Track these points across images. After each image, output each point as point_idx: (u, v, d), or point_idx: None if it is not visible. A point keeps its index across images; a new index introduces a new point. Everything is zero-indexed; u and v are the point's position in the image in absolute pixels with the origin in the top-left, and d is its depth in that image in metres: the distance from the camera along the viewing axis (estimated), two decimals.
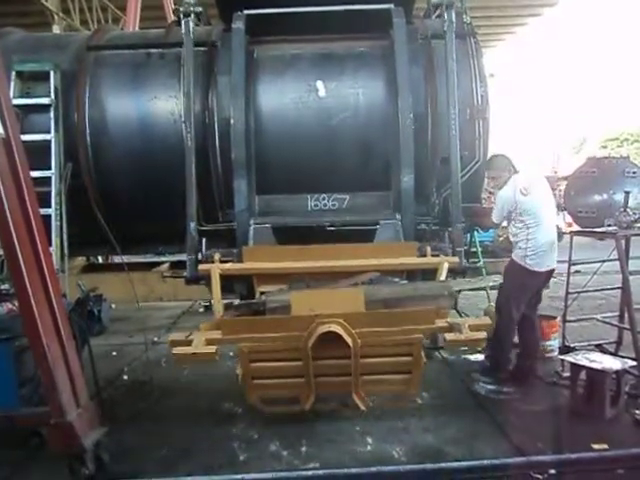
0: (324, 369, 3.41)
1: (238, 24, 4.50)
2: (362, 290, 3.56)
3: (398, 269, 4.04)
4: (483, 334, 3.37)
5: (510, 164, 4.44)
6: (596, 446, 3.31)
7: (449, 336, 3.37)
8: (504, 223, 4.57)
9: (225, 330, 3.38)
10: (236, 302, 4.04)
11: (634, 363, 3.96)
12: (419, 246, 4.15)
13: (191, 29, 4.44)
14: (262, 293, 3.86)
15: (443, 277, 3.95)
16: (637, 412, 3.72)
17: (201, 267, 4.11)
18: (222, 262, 4.09)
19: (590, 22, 37.90)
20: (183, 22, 4.47)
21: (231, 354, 5.23)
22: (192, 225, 4.25)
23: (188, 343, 3.28)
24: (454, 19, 4.39)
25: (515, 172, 4.40)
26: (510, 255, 4.47)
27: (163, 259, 5.62)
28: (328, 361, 3.36)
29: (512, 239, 4.40)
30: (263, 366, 3.43)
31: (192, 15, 4.46)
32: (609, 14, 46.00)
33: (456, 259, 4.19)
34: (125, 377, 4.84)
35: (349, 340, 3.19)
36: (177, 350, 3.26)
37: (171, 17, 8.19)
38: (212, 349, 3.22)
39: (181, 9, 4.47)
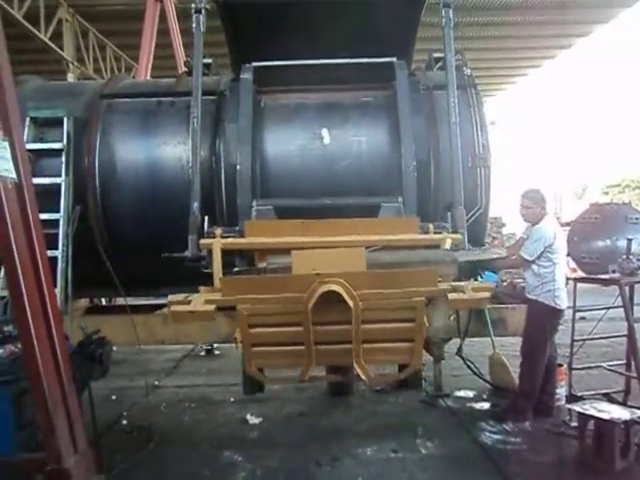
0: (325, 335, 3.26)
1: (246, 75, 4.67)
2: (363, 250, 3.47)
3: (400, 245, 3.97)
4: (486, 294, 3.30)
5: (544, 200, 4.51)
6: None
7: (452, 296, 3.28)
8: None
9: (225, 291, 3.27)
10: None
11: None
12: (421, 225, 4.13)
13: (202, 25, 4.53)
14: None
15: (447, 247, 3.90)
16: None
17: (203, 242, 4.07)
18: (224, 238, 4.06)
19: (590, 71, 39.20)
20: (194, 17, 4.54)
21: (232, 399, 5.18)
22: (195, 204, 4.29)
23: (187, 303, 3.22)
24: (455, 71, 4.55)
25: (545, 209, 4.48)
26: (513, 300, 4.45)
27: (166, 302, 5.63)
28: (329, 327, 3.23)
29: (535, 282, 4.37)
30: (263, 332, 3.29)
31: (203, 11, 4.53)
32: (607, 66, 47.33)
33: (459, 236, 4.18)
34: (124, 422, 4.76)
35: (350, 302, 3.08)
36: (175, 308, 3.18)
37: (182, 67, 8.50)
38: (210, 307, 3.15)
39: (192, 5, 4.55)
